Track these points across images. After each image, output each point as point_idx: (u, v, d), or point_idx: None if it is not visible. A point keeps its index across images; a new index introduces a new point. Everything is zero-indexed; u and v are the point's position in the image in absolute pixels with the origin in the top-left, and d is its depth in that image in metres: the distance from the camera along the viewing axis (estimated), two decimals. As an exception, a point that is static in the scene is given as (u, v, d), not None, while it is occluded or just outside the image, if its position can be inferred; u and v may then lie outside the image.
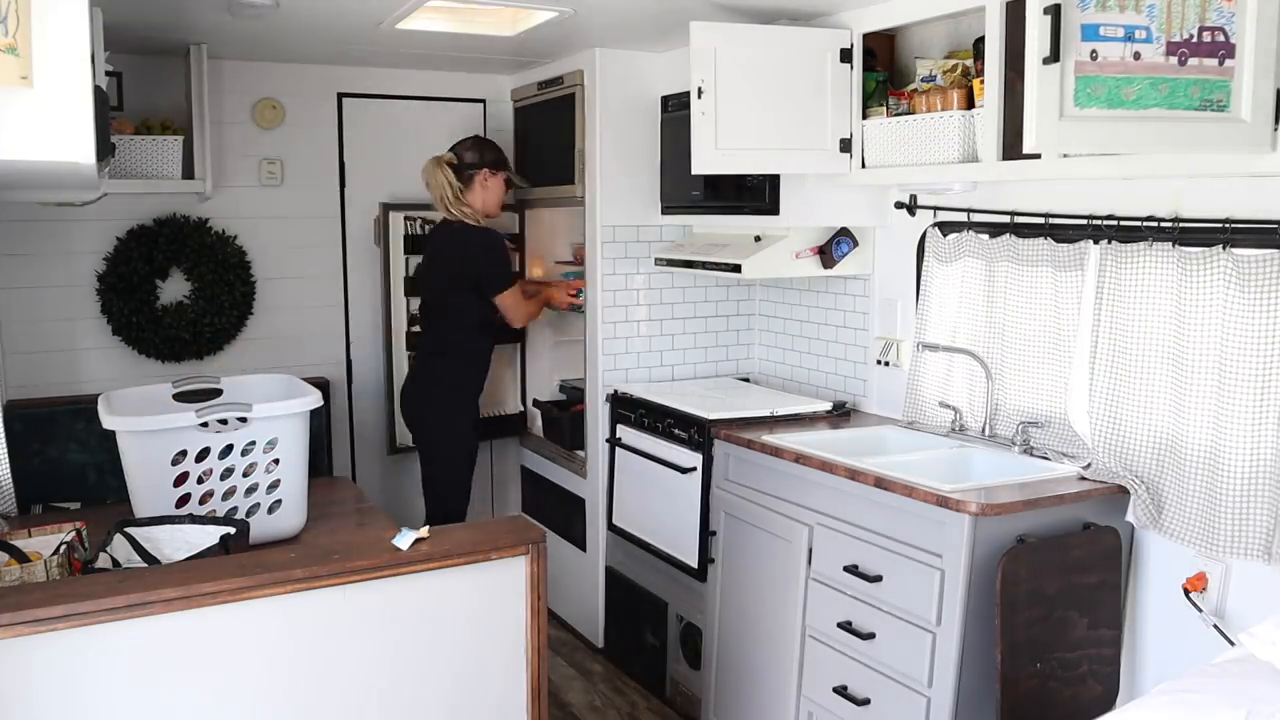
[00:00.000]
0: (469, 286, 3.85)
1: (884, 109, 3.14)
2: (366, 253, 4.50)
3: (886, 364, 3.56)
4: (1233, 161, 2.28)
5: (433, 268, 4.02)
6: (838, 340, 3.81)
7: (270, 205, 4.33)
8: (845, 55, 3.14)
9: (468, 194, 3.89)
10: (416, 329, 4.34)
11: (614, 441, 3.87)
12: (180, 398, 2.75)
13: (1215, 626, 2.51)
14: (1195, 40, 2.09)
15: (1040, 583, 2.50)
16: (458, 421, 3.92)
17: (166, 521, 2.31)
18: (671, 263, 3.87)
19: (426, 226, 4.48)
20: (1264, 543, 2.41)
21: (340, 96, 4.41)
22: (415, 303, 4.46)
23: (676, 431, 3.52)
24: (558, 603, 4.36)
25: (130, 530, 2.23)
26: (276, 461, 2.54)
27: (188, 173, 3.92)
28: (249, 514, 2.51)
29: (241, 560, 2.03)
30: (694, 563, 3.44)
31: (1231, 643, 2.37)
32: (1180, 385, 2.57)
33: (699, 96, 3.04)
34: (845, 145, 3.17)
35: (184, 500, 2.45)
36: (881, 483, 2.68)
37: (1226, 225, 2.45)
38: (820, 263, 3.60)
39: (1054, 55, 1.99)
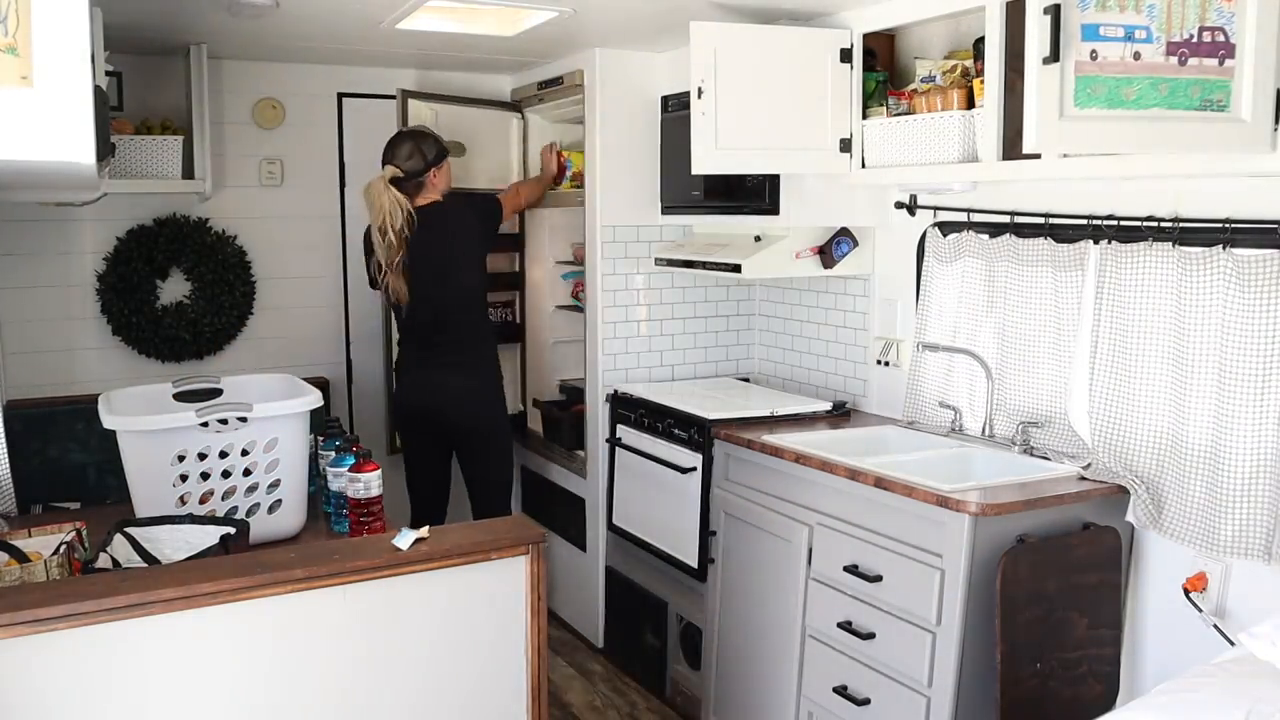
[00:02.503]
0: (478, 255, 3.82)
1: (884, 109, 3.14)
2: (366, 253, 4.50)
3: (886, 364, 3.56)
4: (1233, 161, 2.28)
5: (426, 251, 3.66)
6: (838, 340, 3.81)
7: (270, 205, 4.33)
8: (845, 55, 3.14)
9: (420, 197, 3.68)
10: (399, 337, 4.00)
11: (614, 441, 3.87)
12: (180, 397, 2.75)
13: (1215, 626, 2.51)
14: (1195, 40, 2.09)
15: (1040, 583, 2.50)
16: (500, 407, 3.91)
17: (166, 521, 2.31)
18: (671, 263, 3.87)
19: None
20: (1264, 543, 2.41)
21: (340, 96, 4.41)
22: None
23: (676, 431, 3.52)
24: (558, 603, 4.36)
25: (130, 530, 2.23)
26: (277, 461, 2.53)
27: (188, 173, 3.92)
28: (249, 514, 2.50)
29: (241, 560, 2.04)
30: (694, 563, 3.44)
31: (1231, 643, 2.37)
32: (1180, 385, 2.57)
33: (699, 96, 3.04)
34: (845, 145, 3.17)
35: (184, 500, 2.45)
36: (881, 483, 2.68)
37: (1226, 225, 2.45)
38: (820, 263, 3.60)
39: (1054, 55, 1.99)
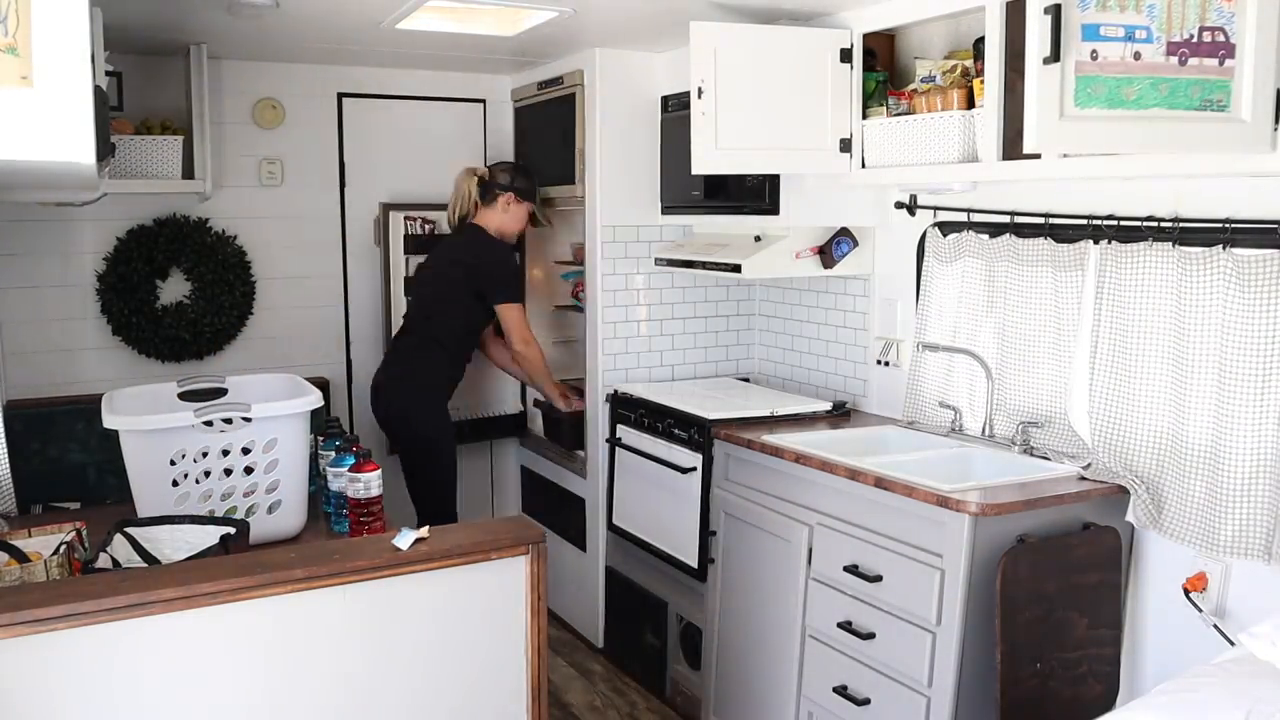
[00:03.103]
0: (473, 292, 3.93)
1: (884, 109, 3.14)
2: (366, 253, 4.49)
3: (886, 364, 3.56)
4: (1233, 161, 2.28)
5: (441, 266, 4.04)
6: (838, 340, 3.81)
7: (270, 205, 4.33)
8: (845, 55, 3.14)
9: (485, 211, 4.01)
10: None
11: (614, 441, 3.87)
12: (185, 397, 2.76)
13: (1215, 626, 2.51)
14: (1195, 40, 2.09)
15: (1040, 583, 2.50)
16: (438, 416, 3.95)
17: (166, 521, 2.31)
18: (671, 263, 3.87)
19: (427, 226, 4.47)
20: (1264, 543, 2.41)
21: (340, 96, 4.41)
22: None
23: (676, 431, 3.52)
24: (558, 603, 4.36)
25: (130, 530, 2.23)
26: (276, 462, 2.53)
27: (188, 173, 3.91)
28: (249, 514, 2.51)
29: (241, 560, 2.03)
30: (694, 563, 3.44)
31: (1231, 643, 2.37)
32: (1180, 385, 2.57)
33: (699, 96, 3.04)
34: (845, 145, 3.17)
35: (183, 500, 2.45)
36: (881, 483, 2.68)
37: (1226, 225, 2.45)
38: (820, 263, 3.60)
39: (1054, 55, 1.99)
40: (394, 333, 4.22)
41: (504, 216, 4.02)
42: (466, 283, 3.92)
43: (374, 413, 4.03)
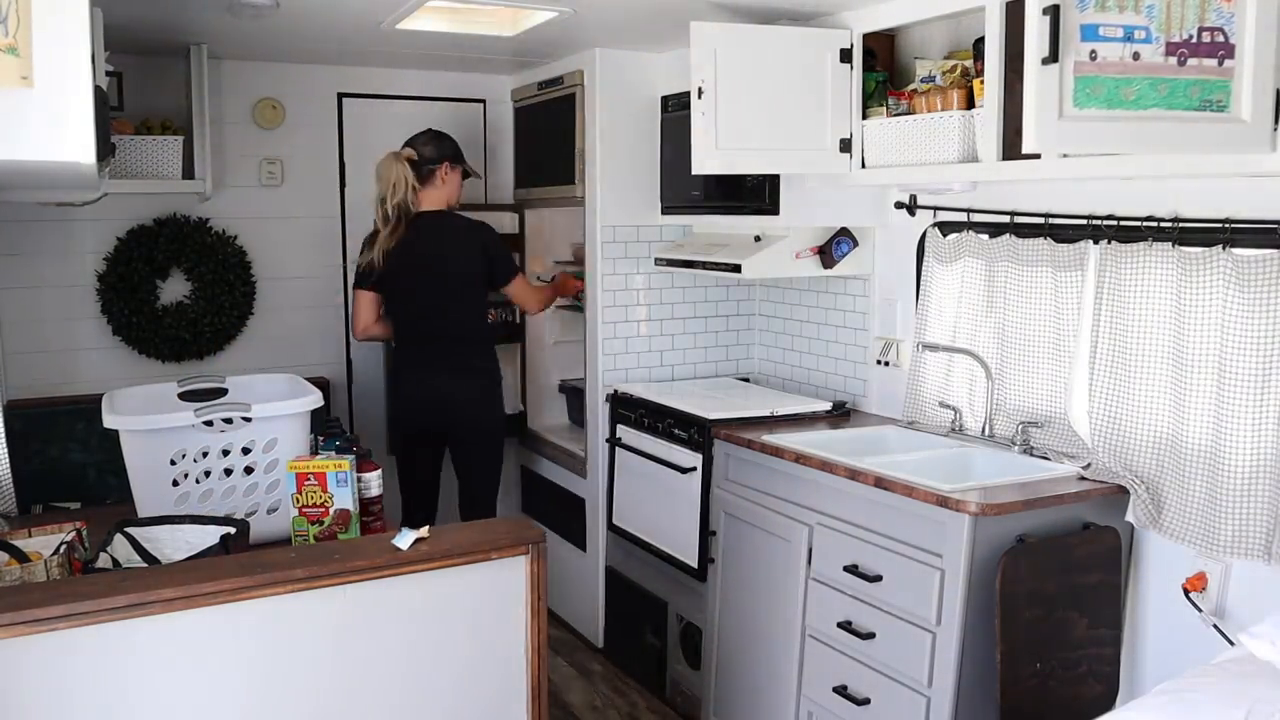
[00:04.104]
0: (487, 279, 3.77)
1: (884, 109, 3.14)
2: (366, 253, 4.49)
3: (886, 364, 3.56)
4: (1233, 161, 2.28)
5: (435, 264, 3.68)
6: (838, 340, 3.81)
7: (270, 205, 4.33)
8: (845, 55, 3.14)
9: (427, 192, 3.70)
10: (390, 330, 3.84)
11: (614, 441, 3.87)
12: (185, 397, 2.76)
13: (1215, 626, 2.51)
14: (1195, 40, 2.09)
15: (1040, 583, 2.50)
16: (499, 409, 3.88)
17: (166, 521, 2.31)
18: (671, 263, 3.87)
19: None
20: (1264, 543, 2.41)
21: (340, 96, 4.42)
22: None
23: (676, 431, 3.52)
24: (558, 603, 4.36)
25: (130, 530, 2.23)
26: (276, 462, 2.53)
27: (188, 173, 3.92)
28: (249, 514, 2.51)
29: (241, 560, 2.04)
30: (694, 563, 3.44)
31: (1231, 643, 2.37)
32: (1180, 385, 2.58)
33: (699, 96, 3.04)
34: (845, 145, 3.17)
35: (183, 500, 2.45)
36: (881, 483, 2.68)
37: (1226, 225, 2.45)
38: (820, 263, 3.60)
39: (1053, 55, 1.99)
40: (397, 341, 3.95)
41: (445, 189, 3.74)
42: (482, 272, 3.74)
43: (426, 421, 3.78)
